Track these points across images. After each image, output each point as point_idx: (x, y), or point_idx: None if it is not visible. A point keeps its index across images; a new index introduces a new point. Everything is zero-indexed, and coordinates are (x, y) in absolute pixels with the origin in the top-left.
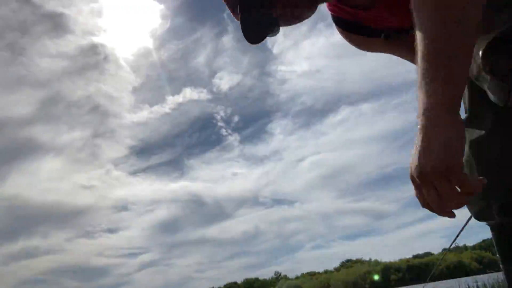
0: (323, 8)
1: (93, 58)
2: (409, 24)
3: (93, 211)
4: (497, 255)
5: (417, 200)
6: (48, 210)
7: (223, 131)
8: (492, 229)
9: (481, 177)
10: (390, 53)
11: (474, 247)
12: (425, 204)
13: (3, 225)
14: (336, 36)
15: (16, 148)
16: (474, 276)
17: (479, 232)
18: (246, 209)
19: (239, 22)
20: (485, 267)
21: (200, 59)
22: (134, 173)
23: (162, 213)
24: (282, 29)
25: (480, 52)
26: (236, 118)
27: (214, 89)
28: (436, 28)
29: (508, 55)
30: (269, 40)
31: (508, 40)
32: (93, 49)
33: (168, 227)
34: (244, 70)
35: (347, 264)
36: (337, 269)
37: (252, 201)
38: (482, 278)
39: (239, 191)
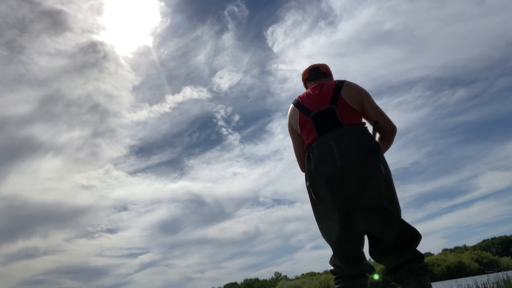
0: (324, 5)
1: (92, 56)
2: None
3: (92, 211)
4: None
5: (417, 200)
6: (48, 210)
7: (223, 131)
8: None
9: None
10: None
11: (474, 247)
12: None
13: (2, 225)
14: (336, 35)
15: (15, 147)
16: (474, 277)
17: (479, 232)
18: (246, 209)
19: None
20: (485, 267)
21: (200, 57)
22: (134, 173)
23: (162, 213)
24: (283, 28)
25: None
26: (236, 117)
27: (214, 88)
28: (389, 146)
29: None
30: (269, 38)
31: None
32: (93, 47)
33: (168, 227)
34: (244, 69)
35: None
36: None
37: (252, 201)
38: (482, 278)
39: (239, 191)
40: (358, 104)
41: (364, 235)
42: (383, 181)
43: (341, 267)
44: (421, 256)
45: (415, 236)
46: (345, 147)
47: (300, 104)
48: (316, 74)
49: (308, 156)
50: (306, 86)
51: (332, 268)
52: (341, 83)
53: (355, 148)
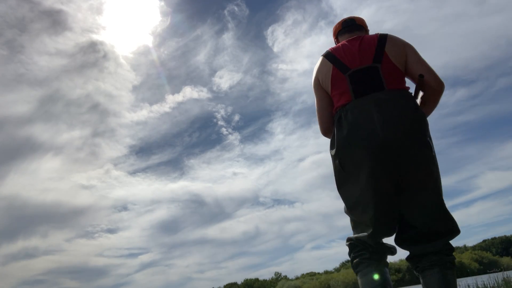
0: (324, 5)
1: (92, 56)
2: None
3: (92, 211)
4: None
5: None
6: (47, 210)
7: (223, 130)
8: None
9: None
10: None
11: (474, 247)
12: None
13: (2, 225)
14: None
15: (15, 147)
16: (474, 277)
17: (479, 232)
18: (246, 209)
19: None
20: (485, 267)
21: (200, 57)
22: (133, 172)
23: (162, 213)
24: (283, 28)
25: None
26: (236, 117)
27: (214, 88)
28: (433, 109)
29: None
30: (269, 38)
31: None
32: (92, 47)
33: (168, 227)
34: (244, 69)
35: (347, 264)
36: (337, 270)
37: (252, 201)
38: (482, 278)
39: (239, 191)
40: (402, 62)
41: (397, 218)
42: (432, 158)
43: (365, 242)
44: (452, 249)
45: (454, 230)
46: (388, 116)
47: (334, 57)
48: (352, 26)
49: (339, 120)
50: (337, 41)
51: (351, 241)
52: (384, 36)
53: (400, 118)
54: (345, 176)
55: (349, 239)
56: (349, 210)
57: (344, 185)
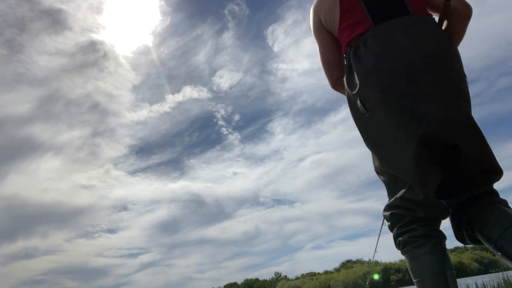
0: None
1: (92, 56)
2: None
3: (92, 211)
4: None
5: None
6: (47, 210)
7: (224, 130)
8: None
9: None
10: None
11: (474, 247)
12: None
13: (2, 225)
14: None
15: (15, 147)
16: (474, 277)
17: None
18: (246, 209)
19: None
20: (485, 267)
21: (200, 56)
22: (133, 172)
23: (162, 213)
24: (283, 27)
25: None
26: (236, 117)
27: (214, 88)
28: (460, 39)
29: None
30: (269, 38)
31: None
32: (92, 46)
33: (168, 227)
34: (244, 68)
35: (347, 264)
36: (337, 270)
37: (252, 201)
38: (482, 278)
39: (239, 191)
40: None
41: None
42: (469, 95)
43: (408, 208)
44: (498, 194)
45: (499, 169)
46: (419, 39)
47: None
48: None
49: (356, 52)
50: None
51: (393, 209)
52: None
53: (433, 41)
54: (370, 116)
55: (389, 207)
56: (382, 159)
57: (374, 135)
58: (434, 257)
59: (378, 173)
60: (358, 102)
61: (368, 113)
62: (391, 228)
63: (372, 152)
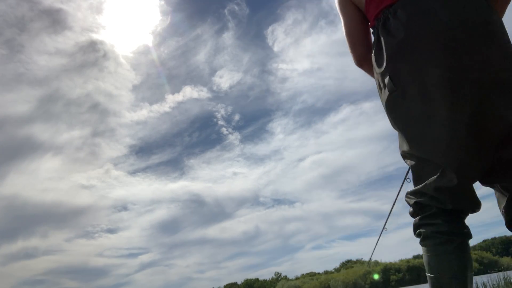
0: (325, 4)
1: (92, 55)
2: None
3: (92, 211)
4: None
5: None
6: (47, 210)
7: (224, 130)
8: None
9: None
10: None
11: (474, 247)
12: None
13: (2, 225)
14: (337, 34)
15: (15, 147)
16: (474, 277)
17: (479, 232)
18: (246, 209)
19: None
20: (486, 267)
21: (200, 56)
22: (133, 172)
23: (162, 213)
24: (283, 27)
25: None
26: (236, 117)
27: (214, 88)
28: (503, 13)
29: None
30: (269, 37)
31: None
32: (92, 46)
33: (168, 227)
34: (244, 68)
35: (347, 264)
36: (337, 270)
37: (252, 201)
38: (482, 278)
39: (239, 191)
40: None
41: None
42: None
43: (437, 198)
44: None
45: None
46: (456, 8)
47: None
48: None
49: (385, 25)
50: None
51: (418, 197)
52: None
53: (474, 10)
54: (399, 93)
55: (414, 193)
56: (412, 140)
57: (398, 107)
58: (457, 258)
59: (405, 157)
60: (387, 78)
61: (398, 90)
62: (412, 215)
63: (400, 133)
